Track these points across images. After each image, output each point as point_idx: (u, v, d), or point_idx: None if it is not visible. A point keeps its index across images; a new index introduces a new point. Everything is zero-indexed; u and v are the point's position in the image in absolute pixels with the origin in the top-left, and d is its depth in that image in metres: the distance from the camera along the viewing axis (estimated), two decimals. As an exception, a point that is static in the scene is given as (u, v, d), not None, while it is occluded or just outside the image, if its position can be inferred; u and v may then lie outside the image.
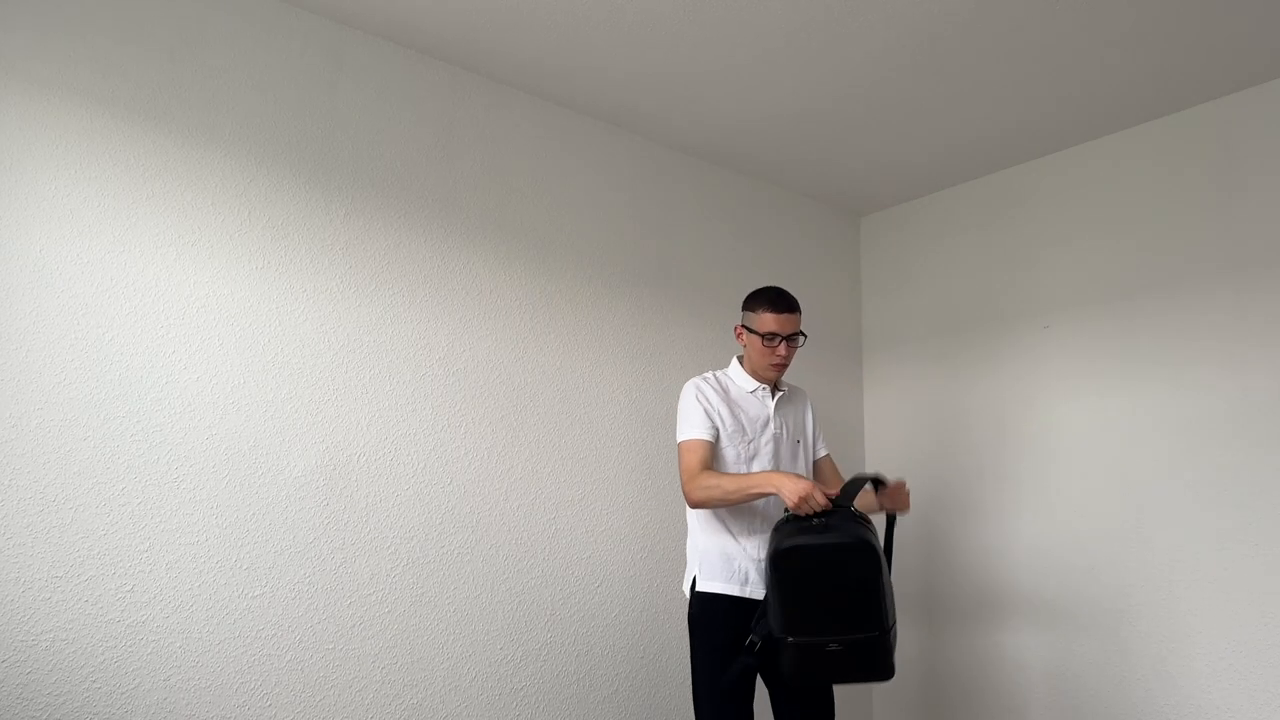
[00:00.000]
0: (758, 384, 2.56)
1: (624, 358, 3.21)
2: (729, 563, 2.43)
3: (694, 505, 2.40)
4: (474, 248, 2.92)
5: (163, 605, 2.29)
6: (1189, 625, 2.88)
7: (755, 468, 2.48)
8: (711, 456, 2.43)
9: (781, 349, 2.50)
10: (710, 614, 2.41)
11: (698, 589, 2.44)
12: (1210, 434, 2.90)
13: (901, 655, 3.55)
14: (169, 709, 2.26)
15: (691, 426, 2.47)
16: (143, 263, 2.36)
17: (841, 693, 2.61)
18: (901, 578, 3.38)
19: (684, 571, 2.57)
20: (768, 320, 2.50)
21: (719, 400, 2.51)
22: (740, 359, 2.62)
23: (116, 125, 2.37)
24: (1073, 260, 3.31)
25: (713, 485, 2.34)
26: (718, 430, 2.46)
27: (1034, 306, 3.40)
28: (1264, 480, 2.77)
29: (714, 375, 2.59)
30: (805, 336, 2.57)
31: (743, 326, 2.58)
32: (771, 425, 2.53)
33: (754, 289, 2.62)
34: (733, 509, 2.44)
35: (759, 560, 2.42)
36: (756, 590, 2.40)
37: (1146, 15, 2.61)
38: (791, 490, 2.20)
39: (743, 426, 2.50)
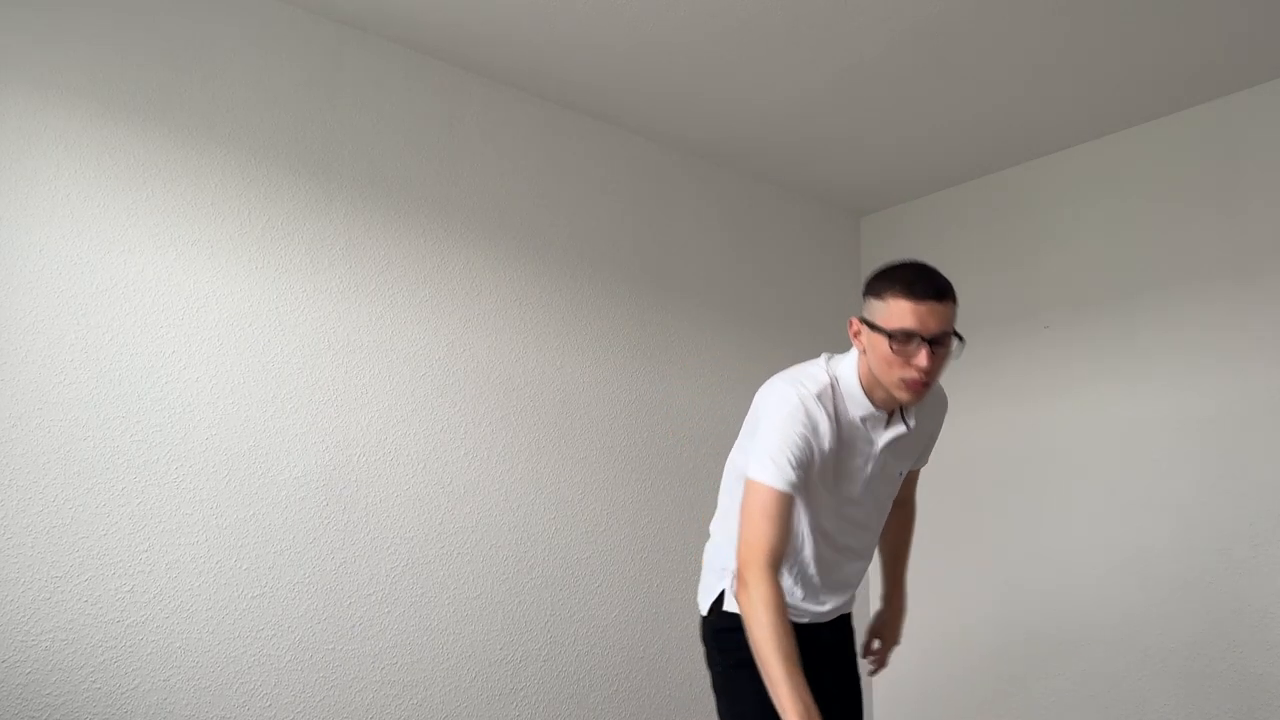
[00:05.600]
0: (870, 409, 1.79)
1: (624, 358, 3.21)
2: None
3: (738, 601, 1.71)
4: (474, 248, 2.92)
5: (163, 605, 2.29)
6: (1192, 629, 2.88)
7: (842, 496, 1.87)
8: (789, 526, 1.71)
9: (922, 358, 1.67)
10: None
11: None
12: (1211, 434, 2.89)
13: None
14: (169, 709, 2.26)
15: (778, 466, 1.69)
16: (143, 263, 2.36)
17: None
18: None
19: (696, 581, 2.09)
20: (902, 311, 1.66)
21: (830, 434, 1.76)
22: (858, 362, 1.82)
23: (116, 125, 2.37)
24: (1073, 260, 3.30)
25: (760, 624, 1.61)
26: (805, 479, 1.73)
27: (1034, 306, 3.40)
28: (1265, 480, 2.77)
29: (831, 385, 1.79)
30: (962, 341, 1.73)
31: (862, 320, 1.75)
32: (870, 467, 1.85)
33: (883, 266, 1.76)
34: (820, 556, 1.86)
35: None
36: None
37: (1147, 14, 2.61)
38: None
39: (835, 470, 1.82)
